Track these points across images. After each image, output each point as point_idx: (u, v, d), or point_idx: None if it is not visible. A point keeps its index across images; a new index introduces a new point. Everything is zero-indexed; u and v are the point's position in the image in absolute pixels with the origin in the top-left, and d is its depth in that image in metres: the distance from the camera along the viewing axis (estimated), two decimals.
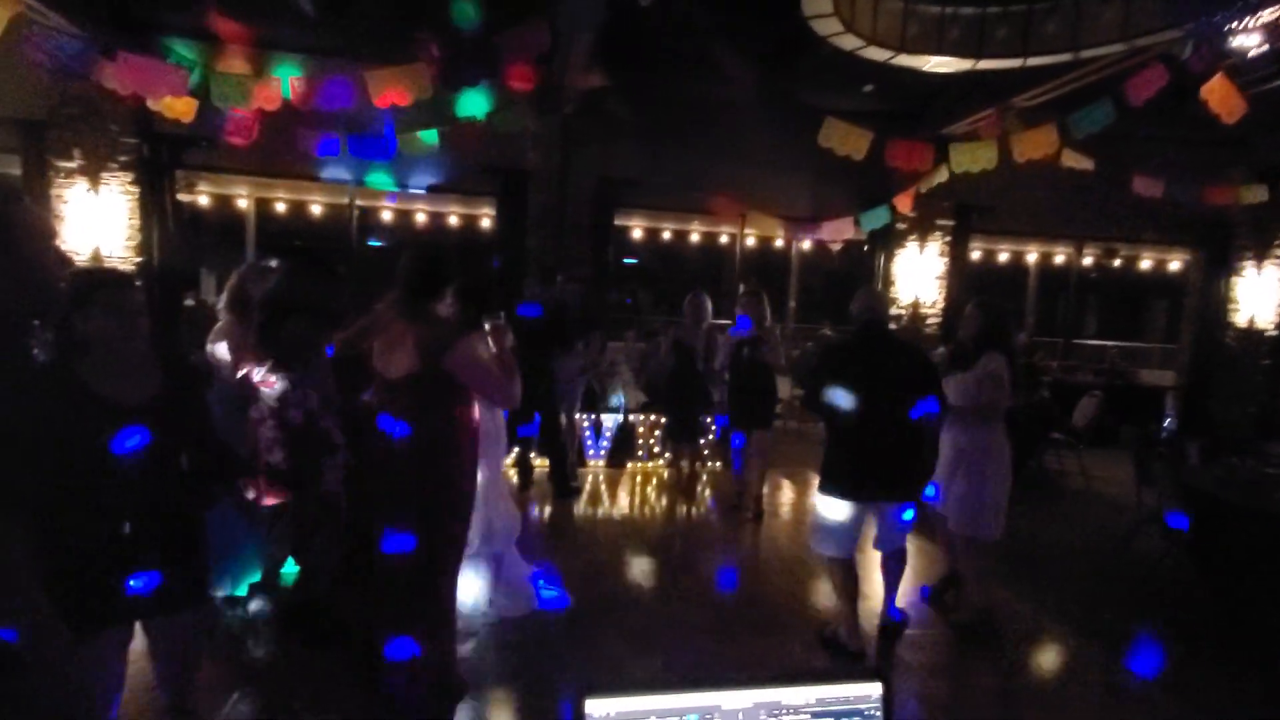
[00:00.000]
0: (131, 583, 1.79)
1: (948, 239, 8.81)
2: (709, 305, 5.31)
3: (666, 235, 11.18)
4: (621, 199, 8.13)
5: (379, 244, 13.37)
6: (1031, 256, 10.47)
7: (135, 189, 6.73)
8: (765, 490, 5.25)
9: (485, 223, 10.34)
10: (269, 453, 2.94)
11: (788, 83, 7.39)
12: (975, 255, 9.82)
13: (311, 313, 2.87)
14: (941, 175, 6.81)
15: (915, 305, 8.71)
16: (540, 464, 5.60)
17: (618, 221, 8.61)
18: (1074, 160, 6.45)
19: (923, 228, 8.71)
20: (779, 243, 9.78)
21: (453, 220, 10.65)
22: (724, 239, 10.92)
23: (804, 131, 7.20)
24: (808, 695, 0.98)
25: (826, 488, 3.17)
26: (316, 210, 10.03)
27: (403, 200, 9.88)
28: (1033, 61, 5.74)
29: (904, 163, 6.27)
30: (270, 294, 2.94)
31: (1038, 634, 3.64)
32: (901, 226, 8.61)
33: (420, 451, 2.36)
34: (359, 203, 8.27)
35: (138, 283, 2.08)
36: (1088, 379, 8.98)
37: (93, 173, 6.62)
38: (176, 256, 6.99)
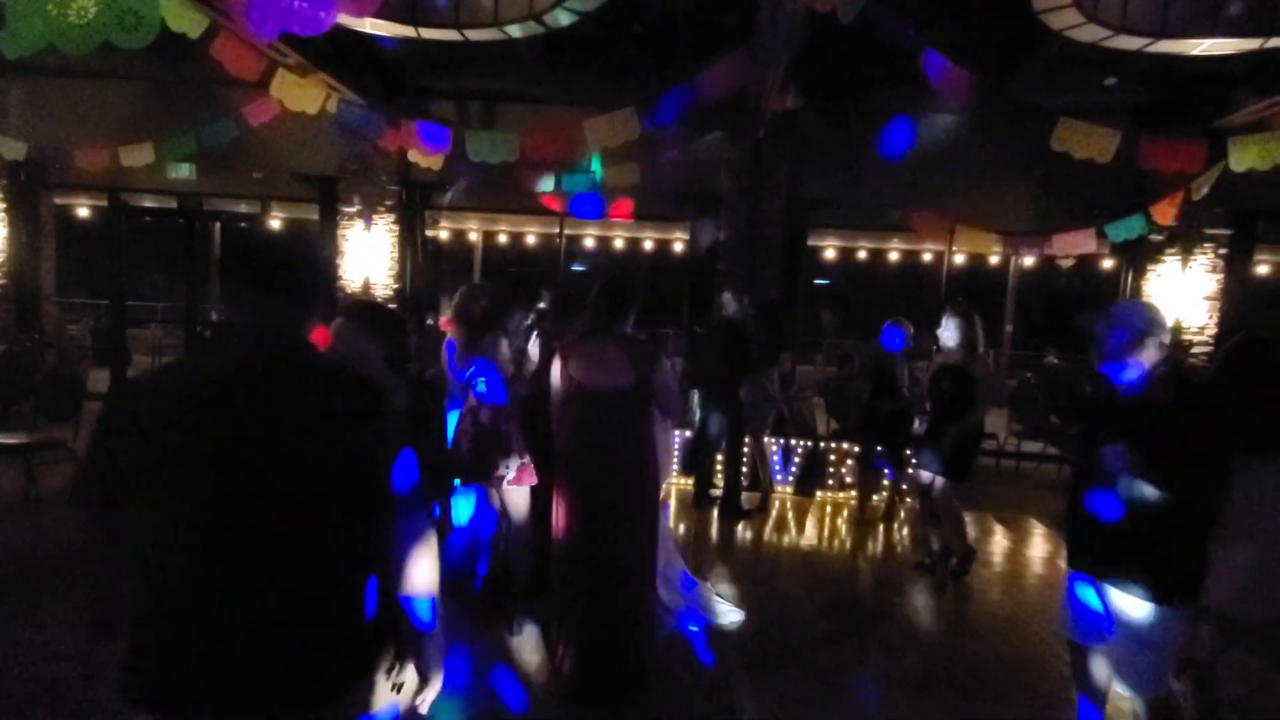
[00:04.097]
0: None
1: (1222, 251, 7.30)
2: (908, 329, 4.95)
3: (862, 255, 10.70)
4: (814, 219, 7.94)
5: (581, 269, 14.52)
6: None
7: (396, 228, 8.07)
8: (962, 537, 4.34)
9: (678, 246, 10.73)
10: (460, 444, 3.15)
11: (1006, 84, 6.70)
12: (1262, 270, 8.04)
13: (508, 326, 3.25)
14: (1214, 177, 5.68)
15: (1178, 330, 7.32)
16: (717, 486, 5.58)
17: (811, 242, 8.43)
18: None
19: (1186, 239, 7.33)
20: (993, 260, 8.86)
21: (647, 245, 11.22)
22: (927, 257, 10.15)
23: (1027, 136, 6.48)
24: None
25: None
26: (531, 240, 11.23)
27: (603, 227, 10.61)
28: None
29: (1165, 163, 5.34)
30: (483, 311, 3.35)
31: None
32: (1157, 238, 7.31)
33: (629, 456, 2.72)
34: (567, 232, 9.06)
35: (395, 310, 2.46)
36: None
37: (366, 216, 8.06)
38: (423, 283, 8.23)
